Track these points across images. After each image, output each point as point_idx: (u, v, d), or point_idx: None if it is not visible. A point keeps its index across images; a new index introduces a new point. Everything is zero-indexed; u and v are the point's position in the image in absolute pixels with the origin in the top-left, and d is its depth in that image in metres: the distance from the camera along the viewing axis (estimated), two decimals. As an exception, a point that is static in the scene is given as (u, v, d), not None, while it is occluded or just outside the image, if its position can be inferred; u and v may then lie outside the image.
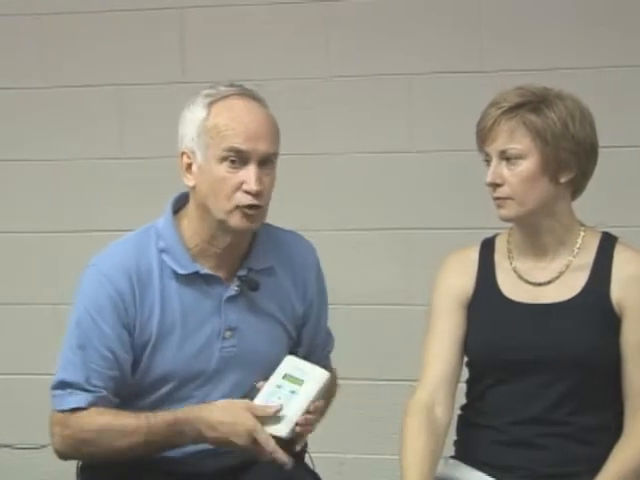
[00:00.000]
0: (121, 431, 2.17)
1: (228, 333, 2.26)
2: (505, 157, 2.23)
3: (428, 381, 2.29)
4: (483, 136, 2.25)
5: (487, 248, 2.36)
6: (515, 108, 2.22)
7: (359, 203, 3.48)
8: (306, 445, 2.41)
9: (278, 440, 2.13)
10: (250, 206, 2.19)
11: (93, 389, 2.20)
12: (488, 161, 2.26)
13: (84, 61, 3.61)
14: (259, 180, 2.18)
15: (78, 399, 2.19)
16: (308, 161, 3.47)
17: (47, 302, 3.61)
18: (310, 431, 2.20)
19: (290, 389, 2.15)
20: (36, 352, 3.62)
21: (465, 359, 2.34)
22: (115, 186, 3.59)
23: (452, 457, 2.36)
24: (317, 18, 3.49)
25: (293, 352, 2.34)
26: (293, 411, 2.14)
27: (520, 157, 2.22)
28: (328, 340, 2.48)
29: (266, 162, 2.21)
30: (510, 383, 2.27)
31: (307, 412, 2.15)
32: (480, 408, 2.32)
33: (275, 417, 2.13)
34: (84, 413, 2.19)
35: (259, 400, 2.17)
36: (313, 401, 2.16)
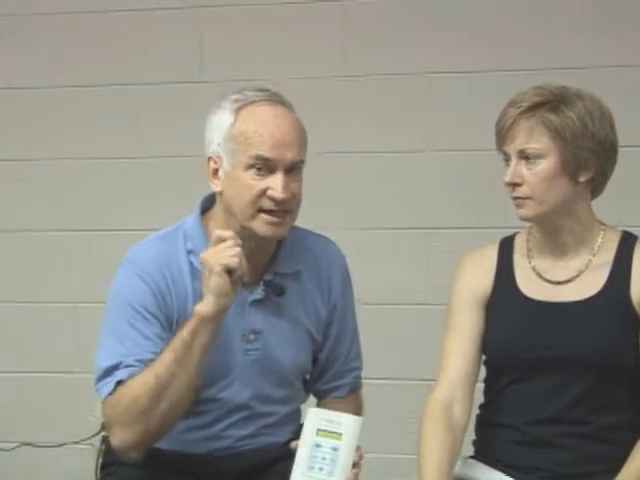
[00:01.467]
0: (149, 370, 2.11)
1: (252, 336, 2.26)
2: (524, 156, 2.23)
3: (446, 380, 2.29)
4: (502, 136, 2.25)
5: (506, 247, 2.36)
6: (534, 107, 2.22)
7: (377, 203, 3.48)
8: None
9: None
10: (273, 211, 2.18)
11: (138, 365, 2.15)
12: (507, 161, 2.26)
13: (101, 60, 3.62)
14: (286, 187, 2.17)
15: (122, 373, 2.14)
16: (327, 160, 3.46)
17: (67, 301, 3.62)
18: None
19: (331, 446, 2.07)
20: (56, 351, 3.65)
21: (483, 358, 2.34)
22: (134, 185, 3.60)
23: (470, 457, 2.36)
24: (335, 17, 3.49)
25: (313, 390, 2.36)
26: (343, 469, 2.06)
27: (539, 156, 2.22)
28: (355, 354, 2.44)
29: (293, 169, 2.20)
30: (528, 382, 2.27)
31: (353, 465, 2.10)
32: (498, 407, 2.32)
33: (327, 479, 2.06)
34: (125, 386, 2.13)
35: (301, 463, 2.07)
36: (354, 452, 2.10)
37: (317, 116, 3.44)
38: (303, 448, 2.08)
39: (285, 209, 2.19)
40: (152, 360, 2.14)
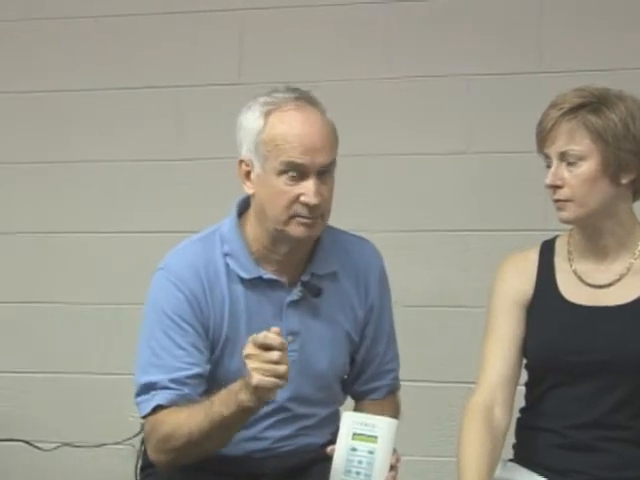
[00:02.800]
0: (189, 415, 2.13)
1: (290, 337, 2.23)
2: (565, 159, 2.22)
3: (487, 382, 2.28)
4: (543, 138, 2.24)
5: (547, 250, 2.35)
6: (575, 109, 2.21)
7: (416, 204, 3.47)
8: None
9: None
10: (307, 217, 2.19)
11: (176, 387, 2.18)
12: (548, 163, 2.25)
13: (141, 63, 3.64)
14: (318, 193, 2.17)
15: (160, 397, 2.18)
16: (365, 162, 3.47)
17: (109, 302, 3.64)
18: None
19: (367, 449, 2.05)
20: (97, 352, 3.66)
21: (524, 361, 2.33)
22: (173, 187, 3.61)
23: (511, 460, 2.35)
24: (375, 19, 3.49)
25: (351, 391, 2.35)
26: (381, 474, 2.05)
27: (580, 158, 2.21)
28: (392, 356, 2.43)
29: (324, 172, 2.21)
30: (570, 386, 2.25)
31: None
32: (539, 411, 2.31)
33: None
34: (165, 412, 2.17)
35: (338, 468, 2.06)
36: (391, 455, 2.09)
37: (356, 118, 3.45)
38: (339, 452, 2.07)
39: (316, 215, 2.20)
40: (187, 395, 2.17)
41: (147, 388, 2.20)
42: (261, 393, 2.03)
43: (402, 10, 3.46)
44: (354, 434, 2.07)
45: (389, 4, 3.48)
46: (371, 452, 2.05)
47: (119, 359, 3.57)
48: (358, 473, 2.04)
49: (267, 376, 2.00)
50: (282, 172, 2.18)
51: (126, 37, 3.65)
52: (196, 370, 2.20)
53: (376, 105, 3.48)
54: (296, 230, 2.20)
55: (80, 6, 3.67)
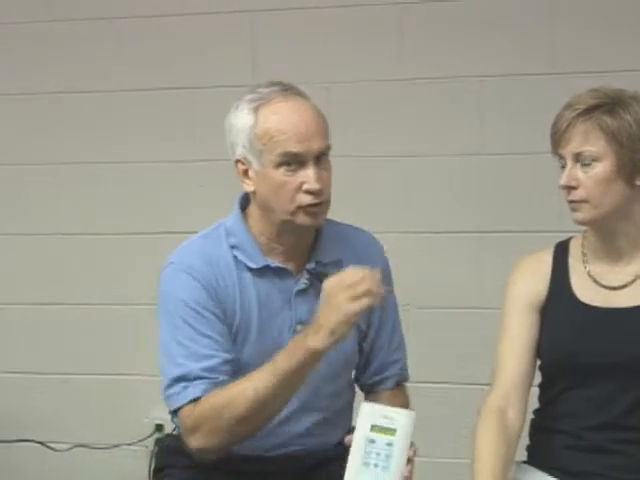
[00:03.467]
0: (247, 380, 2.13)
1: (299, 327, 2.27)
2: (580, 160, 2.22)
3: (501, 384, 2.28)
4: (557, 139, 2.24)
5: (561, 251, 2.35)
6: (590, 110, 2.21)
7: (430, 205, 3.47)
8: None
9: None
10: (313, 205, 2.21)
11: (210, 376, 2.18)
12: (562, 164, 2.25)
13: (155, 64, 3.64)
14: (319, 178, 2.20)
15: (196, 389, 2.17)
16: (378, 163, 3.47)
17: (124, 303, 3.65)
18: None
19: (385, 442, 2.04)
20: (112, 352, 3.67)
21: (538, 362, 2.33)
22: (189, 188, 3.62)
23: (524, 462, 2.35)
24: (388, 20, 3.49)
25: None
26: (398, 465, 2.04)
27: (595, 159, 2.20)
28: (397, 345, 2.44)
29: (321, 157, 2.23)
30: (584, 387, 2.25)
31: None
32: (553, 412, 2.31)
33: (382, 475, 2.03)
34: (204, 399, 2.16)
35: (356, 460, 2.04)
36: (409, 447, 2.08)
37: (370, 119, 3.45)
38: (357, 444, 2.05)
39: (321, 200, 2.22)
40: (227, 372, 2.18)
41: (178, 379, 2.19)
42: (337, 333, 2.07)
43: (415, 11, 3.46)
44: (372, 426, 2.05)
45: (402, 5, 3.48)
46: (389, 444, 2.04)
47: (134, 359, 3.59)
48: (376, 465, 2.03)
49: (367, 296, 2.06)
50: (280, 164, 2.20)
51: (141, 39, 3.65)
52: (224, 356, 2.21)
53: (389, 106, 3.47)
54: (304, 220, 2.22)
55: (94, 8, 3.68)
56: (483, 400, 2.29)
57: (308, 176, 2.19)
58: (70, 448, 3.72)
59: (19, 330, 3.77)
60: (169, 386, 2.21)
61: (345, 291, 2.08)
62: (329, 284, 2.10)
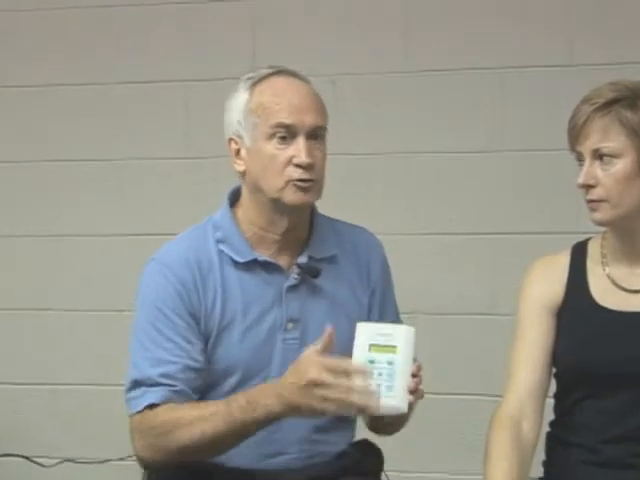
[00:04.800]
0: (199, 417, 2.15)
1: (290, 325, 2.29)
2: (599, 156, 2.22)
3: (514, 393, 2.28)
4: (575, 134, 2.24)
5: (578, 253, 2.35)
6: (609, 104, 2.21)
7: (441, 206, 3.47)
8: (382, 463, 2.42)
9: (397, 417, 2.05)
10: (302, 180, 2.24)
11: (168, 382, 2.21)
12: (580, 161, 2.25)
13: (150, 56, 3.65)
14: (309, 153, 2.24)
15: (152, 395, 2.21)
16: (387, 161, 3.47)
17: (113, 309, 3.65)
18: (421, 396, 2.11)
19: (386, 360, 2.04)
20: (100, 362, 3.67)
21: (553, 371, 2.33)
22: (181, 187, 3.63)
23: (540, 479, 2.35)
24: (396, 8, 3.49)
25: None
26: (402, 382, 2.04)
27: (615, 156, 2.21)
28: None
29: (316, 136, 2.27)
30: (602, 398, 2.25)
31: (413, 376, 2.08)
32: (569, 424, 2.31)
33: (386, 394, 2.02)
34: (159, 409, 2.20)
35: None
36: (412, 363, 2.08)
37: (378, 114, 3.45)
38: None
39: (311, 177, 2.25)
40: (182, 381, 2.20)
41: (138, 384, 2.23)
42: (301, 413, 2.07)
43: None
44: (371, 345, 2.06)
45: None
46: (391, 362, 2.04)
47: (124, 369, 3.58)
48: (379, 386, 2.03)
49: (339, 405, 2.02)
50: (272, 136, 2.25)
51: (133, 28, 3.66)
52: (187, 363, 2.23)
53: (398, 100, 3.48)
54: (293, 197, 2.25)
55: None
56: (495, 411, 2.29)
57: (298, 149, 2.24)
58: (58, 463, 3.72)
59: (2, 338, 3.78)
60: (129, 389, 2.25)
61: (319, 386, 2.03)
62: (309, 356, 2.06)
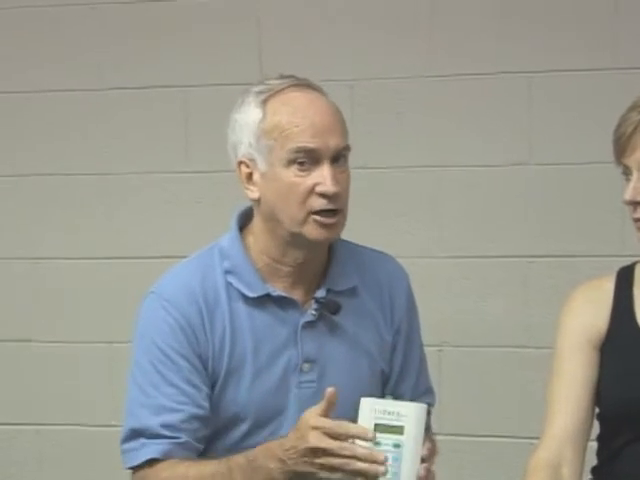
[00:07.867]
0: (198, 477, 2.15)
1: (306, 366, 2.27)
2: (647, 170, 2.22)
3: (552, 437, 2.27)
4: (621, 145, 2.24)
5: (624, 279, 2.35)
6: (659, 112, 2.21)
7: (467, 226, 3.48)
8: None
9: None
10: (327, 211, 2.20)
11: (170, 434, 2.20)
12: (627, 175, 2.25)
13: (149, 60, 3.67)
14: (335, 180, 2.20)
15: (152, 449, 2.19)
16: (408, 175, 3.48)
17: (104, 341, 3.66)
18: None
19: (392, 442, 2.04)
20: (90, 399, 3.68)
21: (597, 411, 2.32)
22: (183, 203, 3.64)
23: (583, 535, 2.35)
24: (419, 7, 3.50)
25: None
26: (410, 468, 2.03)
27: (666, 170, 2.21)
28: (424, 389, 2.43)
29: (339, 158, 2.23)
30: (651, 441, 2.25)
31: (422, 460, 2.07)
32: (615, 471, 2.30)
33: None
34: (160, 466, 2.19)
35: None
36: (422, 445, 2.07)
37: (398, 122, 3.46)
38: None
39: (337, 207, 2.21)
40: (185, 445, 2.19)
41: (136, 434, 2.21)
42: (296, 472, 2.07)
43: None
44: (376, 425, 2.05)
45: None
46: (397, 445, 2.04)
47: (116, 408, 3.58)
48: (384, 472, 2.03)
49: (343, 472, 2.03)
50: (291, 162, 2.20)
51: (133, 29, 3.68)
52: (191, 411, 2.21)
53: (420, 109, 3.49)
54: (314, 232, 2.21)
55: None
56: (532, 455, 2.28)
57: (323, 176, 2.19)
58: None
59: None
60: (126, 439, 2.23)
61: (320, 453, 2.03)
62: (308, 419, 2.05)
